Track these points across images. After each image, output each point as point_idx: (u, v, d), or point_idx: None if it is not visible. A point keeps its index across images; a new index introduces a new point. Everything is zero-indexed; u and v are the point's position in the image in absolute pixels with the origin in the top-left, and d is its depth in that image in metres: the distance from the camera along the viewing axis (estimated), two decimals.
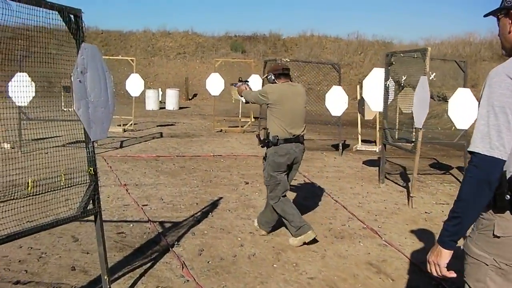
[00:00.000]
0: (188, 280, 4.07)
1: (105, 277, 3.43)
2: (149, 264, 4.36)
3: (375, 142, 12.98)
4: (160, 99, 23.72)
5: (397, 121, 10.83)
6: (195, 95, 28.54)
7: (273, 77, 5.17)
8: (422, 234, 5.60)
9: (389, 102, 8.55)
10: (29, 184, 3.89)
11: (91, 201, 3.30)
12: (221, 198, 6.86)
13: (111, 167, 8.71)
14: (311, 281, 4.20)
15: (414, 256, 4.85)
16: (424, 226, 5.95)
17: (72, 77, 3.02)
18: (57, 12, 2.91)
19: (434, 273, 2.06)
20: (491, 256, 1.99)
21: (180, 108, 23.64)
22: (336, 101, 11.22)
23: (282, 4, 66.26)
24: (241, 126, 15.58)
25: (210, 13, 62.73)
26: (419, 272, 4.46)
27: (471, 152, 1.92)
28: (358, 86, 14.49)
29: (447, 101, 9.01)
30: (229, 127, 15.76)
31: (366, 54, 31.85)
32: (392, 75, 8.45)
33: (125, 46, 31.31)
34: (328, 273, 4.39)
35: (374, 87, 9.01)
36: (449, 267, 2.02)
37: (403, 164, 10.14)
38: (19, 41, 2.92)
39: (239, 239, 5.21)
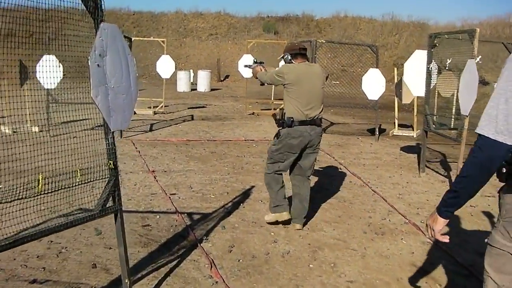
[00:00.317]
0: (216, 282, 3.75)
1: (126, 280, 3.13)
2: (175, 262, 4.05)
3: (411, 126, 12.44)
4: (191, 81, 23.32)
5: (436, 106, 10.27)
6: (227, 77, 28.16)
7: (289, 57, 4.97)
8: (469, 231, 5.16)
9: (431, 86, 8.05)
10: (40, 181, 3.57)
11: (110, 198, 3.01)
12: (253, 186, 6.52)
13: (139, 152, 8.47)
14: (350, 285, 3.84)
15: (463, 257, 4.41)
16: (470, 221, 5.49)
17: (89, 61, 2.70)
18: None
19: (429, 235, 2.16)
20: None
21: (212, 90, 23.19)
22: (373, 84, 10.71)
23: None
24: (274, 109, 15.17)
25: None
26: (470, 277, 4.04)
27: (478, 134, 1.93)
28: (395, 69, 13.92)
29: (486, 85, 8.45)
30: (261, 109, 15.40)
31: (401, 35, 30.79)
32: (435, 58, 7.93)
33: (157, 27, 31.01)
34: (370, 276, 4.01)
35: (415, 70, 8.50)
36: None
37: (442, 151, 9.59)
38: (50, 23, 2.71)
39: (272, 234, 4.88)
